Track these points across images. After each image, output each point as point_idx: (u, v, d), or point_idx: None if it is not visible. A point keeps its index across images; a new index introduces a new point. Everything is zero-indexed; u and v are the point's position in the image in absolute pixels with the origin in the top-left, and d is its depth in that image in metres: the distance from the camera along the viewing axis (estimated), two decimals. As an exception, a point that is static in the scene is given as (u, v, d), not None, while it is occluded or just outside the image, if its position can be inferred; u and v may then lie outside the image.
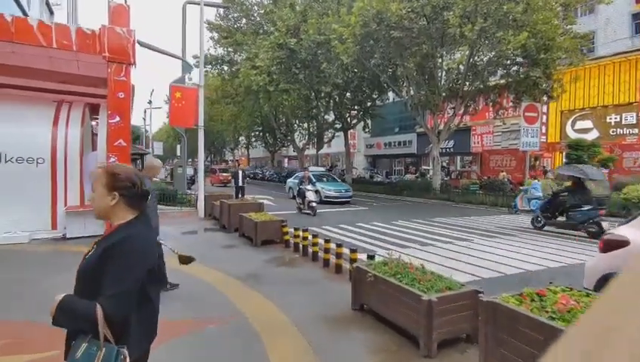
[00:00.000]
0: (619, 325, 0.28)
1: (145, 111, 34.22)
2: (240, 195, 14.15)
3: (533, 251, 7.44)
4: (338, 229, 9.79)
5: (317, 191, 13.22)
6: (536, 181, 12.50)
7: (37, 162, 7.37)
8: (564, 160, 20.64)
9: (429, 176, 27.22)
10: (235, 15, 30.31)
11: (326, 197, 16.17)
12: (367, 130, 30.01)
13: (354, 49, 15.74)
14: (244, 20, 30.72)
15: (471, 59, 16.88)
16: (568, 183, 10.21)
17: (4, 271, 5.47)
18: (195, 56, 30.63)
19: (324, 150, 34.09)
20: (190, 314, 4.05)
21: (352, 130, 29.22)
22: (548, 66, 15.41)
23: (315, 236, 6.15)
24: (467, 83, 18.08)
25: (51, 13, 21.11)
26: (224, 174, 28.95)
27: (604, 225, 8.29)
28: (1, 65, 7.82)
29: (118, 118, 7.66)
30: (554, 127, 22.90)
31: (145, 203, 1.62)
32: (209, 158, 61.12)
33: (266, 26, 28.78)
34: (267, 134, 37.45)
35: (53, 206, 7.52)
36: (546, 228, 9.77)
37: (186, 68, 15.63)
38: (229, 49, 30.47)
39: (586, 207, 8.67)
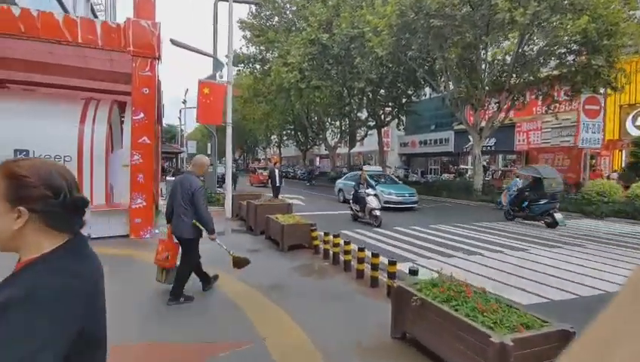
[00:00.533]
0: (621, 338, 0.27)
1: (180, 111, 35.05)
2: (277, 193, 13.58)
3: (608, 265, 6.29)
4: (373, 233, 9.03)
5: (376, 195, 11.12)
6: (517, 179, 12.92)
7: (64, 160, 7.24)
8: (626, 158, 18.50)
9: (468, 175, 25.64)
10: (267, 13, 30.17)
11: (386, 202, 13.44)
12: (401, 127, 28.81)
13: (389, 41, 14.82)
14: (276, 18, 30.52)
15: (520, 49, 15.40)
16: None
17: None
18: (227, 56, 30.93)
19: (356, 148, 33.24)
20: (197, 336, 3.51)
21: (385, 128, 28.15)
22: (611, 54, 13.67)
23: (347, 243, 5.45)
24: (514, 75, 16.56)
25: (95, 17, 21.79)
26: (264, 173, 28.30)
27: (557, 216, 9.73)
28: (35, 63, 7.80)
29: (142, 115, 7.38)
30: (612, 122, 20.56)
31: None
32: (242, 157, 62.07)
33: (298, 22, 28.39)
34: (299, 133, 37.15)
35: (80, 205, 7.39)
36: (584, 234, 9.44)
37: (218, 65, 15.42)
38: (261, 47, 30.37)
39: (543, 201, 10.11)
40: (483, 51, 17.15)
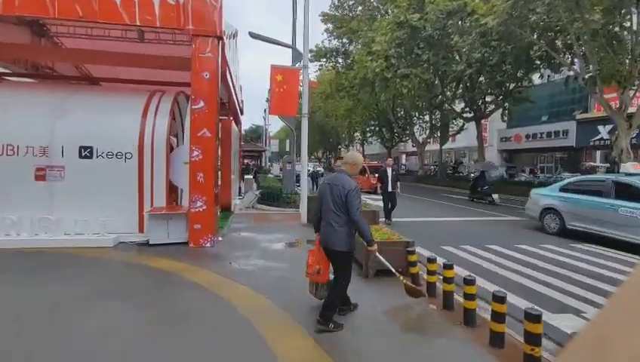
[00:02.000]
0: (620, 334, 0.29)
1: (265, 110, 35.67)
2: (390, 207, 9.54)
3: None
4: (497, 257, 6.65)
5: None
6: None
7: (125, 157, 6.62)
8: None
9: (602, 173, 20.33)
10: (351, 3, 28.69)
11: None
12: (505, 118, 24.49)
13: (504, 6, 11.80)
14: (359, 8, 28.87)
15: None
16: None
17: (76, 282, 4.47)
18: (310, 51, 30.36)
19: (447, 145, 29.61)
20: None
21: (483, 121, 24.25)
22: None
23: (470, 281, 3.38)
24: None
25: None
26: (373, 176, 22.90)
27: (495, 197, 15.04)
28: (101, 54, 7.40)
29: (202, 104, 6.32)
30: None
31: None
32: (324, 155, 61.86)
33: (383, 8, 26.23)
34: (383, 129, 34.85)
35: (140, 206, 6.70)
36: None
37: (297, 56, 14.31)
38: (344, 40, 29.05)
39: (485, 187, 15.37)
40: (629, 16, 12.83)
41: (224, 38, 6.80)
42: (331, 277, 3.66)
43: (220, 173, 10.55)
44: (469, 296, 3.33)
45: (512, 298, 4.36)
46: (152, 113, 6.89)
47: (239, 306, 3.80)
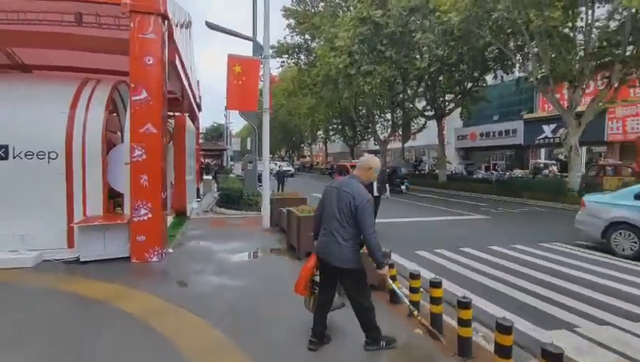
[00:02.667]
0: None
1: (226, 108, 34.06)
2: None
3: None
4: (468, 259, 6.34)
5: None
6: None
7: (49, 157, 5.51)
8: None
9: (548, 172, 21.47)
10: (312, -2, 28.09)
11: None
12: (463, 117, 25.21)
13: (466, 1, 11.74)
14: (321, 4, 28.38)
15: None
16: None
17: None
18: (270, 47, 29.42)
19: (408, 143, 29.99)
20: None
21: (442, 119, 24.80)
22: None
23: (464, 304, 2.89)
24: (630, 41, 12.67)
25: None
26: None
27: (403, 188, 18.44)
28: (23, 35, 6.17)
29: (144, 94, 5.39)
30: None
31: None
32: (287, 154, 60.97)
33: (346, 5, 25.91)
34: (346, 127, 34.70)
35: (70, 216, 5.63)
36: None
37: (258, 50, 13.43)
38: (306, 36, 28.42)
39: (397, 180, 18.31)
40: (582, 17, 13.41)
41: (171, 19, 5.89)
42: (337, 299, 3.21)
43: (172, 174, 9.55)
44: (464, 322, 2.83)
45: (519, 323, 3.98)
46: (83, 104, 5.82)
47: (183, 346, 3.03)
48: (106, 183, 5.86)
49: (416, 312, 3.11)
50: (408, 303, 3.24)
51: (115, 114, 7.77)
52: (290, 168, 36.50)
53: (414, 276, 3.71)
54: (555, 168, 21.99)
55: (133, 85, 5.37)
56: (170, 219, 8.72)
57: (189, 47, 11.00)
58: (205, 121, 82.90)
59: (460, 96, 21.59)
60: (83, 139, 5.66)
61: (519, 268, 5.69)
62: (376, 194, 7.72)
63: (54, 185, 5.58)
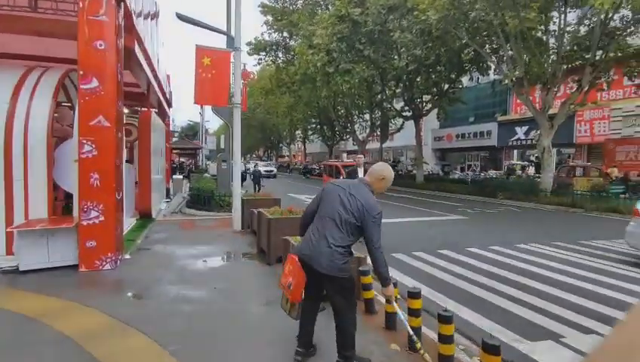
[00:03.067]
0: None
1: (202, 106, 32.99)
2: None
3: None
4: (447, 263, 6.10)
5: None
6: None
7: (-17, 153, 4.85)
8: None
9: (522, 172, 21.95)
10: (291, -6, 27.63)
11: None
12: (439, 118, 25.50)
13: (444, 0, 11.66)
14: (300, 1, 27.98)
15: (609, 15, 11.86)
16: None
17: None
18: (248, 44, 28.80)
19: (386, 144, 30.05)
20: None
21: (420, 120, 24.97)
22: None
23: (446, 322, 2.56)
24: (599, 46, 13.01)
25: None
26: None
27: None
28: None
29: (95, 82, 4.82)
30: None
31: None
32: (265, 154, 60.14)
33: (324, 3, 25.64)
34: (325, 127, 34.43)
35: (8, 219, 4.98)
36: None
37: (232, 44, 12.88)
38: (284, 33, 27.92)
39: None
40: (554, 20, 13.68)
41: (128, 3, 5.34)
42: (321, 305, 2.85)
43: (136, 173, 8.89)
44: (445, 338, 2.51)
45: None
46: (26, 93, 5.18)
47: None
48: (51, 182, 5.23)
49: (420, 346, 2.68)
50: (412, 334, 2.77)
51: (70, 104, 7.10)
52: (272, 168, 34.63)
53: (414, 294, 3.13)
54: (532, 169, 22.45)
55: (82, 72, 4.79)
56: (132, 222, 8.09)
57: (157, 39, 10.35)
58: (181, 119, 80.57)
59: (436, 97, 21.73)
60: (25, 133, 5.03)
61: (498, 271, 5.51)
62: None
63: (-10, 185, 4.92)
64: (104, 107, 4.90)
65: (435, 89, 21.21)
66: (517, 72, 14.07)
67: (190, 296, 4.17)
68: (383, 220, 2.64)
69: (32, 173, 5.04)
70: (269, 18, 27.39)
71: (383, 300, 3.57)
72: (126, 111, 15.29)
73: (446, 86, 21.28)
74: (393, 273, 5.33)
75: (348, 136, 32.14)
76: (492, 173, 23.99)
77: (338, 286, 2.59)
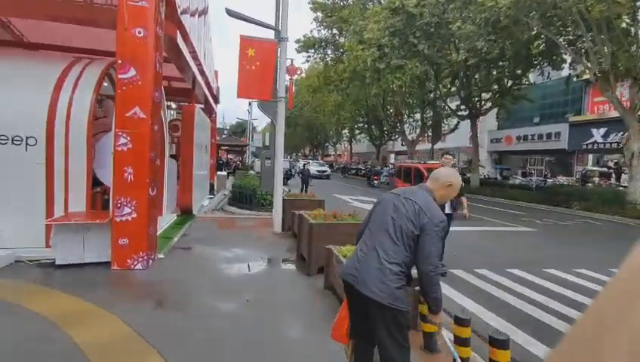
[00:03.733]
0: (621, 313, 0.28)
1: (250, 104, 33.59)
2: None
3: None
4: (520, 286, 5.10)
5: None
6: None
7: (27, 143, 4.80)
8: None
9: (601, 180, 19.30)
10: (342, -10, 27.01)
11: None
12: (499, 118, 23.39)
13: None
14: (351, -4, 27.28)
15: None
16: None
17: None
18: (296, 41, 28.68)
19: (437, 145, 28.30)
20: None
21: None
22: None
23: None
24: None
25: None
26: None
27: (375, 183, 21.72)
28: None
29: (132, 72, 4.55)
30: None
31: None
32: (312, 153, 60.21)
33: (377, -3, 24.70)
34: (372, 126, 33.39)
35: (49, 211, 4.90)
36: None
37: (278, 37, 12.60)
38: (334, 30, 27.38)
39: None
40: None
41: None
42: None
43: (177, 168, 8.81)
44: None
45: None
46: (69, 85, 5.07)
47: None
48: (91, 175, 5.08)
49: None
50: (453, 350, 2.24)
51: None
52: (325, 168, 29.56)
53: (462, 321, 2.60)
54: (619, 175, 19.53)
55: (120, 61, 4.54)
56: (172, 218, 7.96)
57: (204, 34, 10.25)
58: (230, 117, 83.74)
59: (497, 94, 19.84)
60: (66, 124, 4.90)
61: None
62: (448, 211, 5.01)
63: (32, 175, 4.86)
64: (141, 97, 4.61)
65: (496, 86, 19.36)
66: (601, 66, 12.18)
67: (220, 310, 3.69)
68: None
69: (73, 164, 4.91)
70: (319, 15, 27.02)
71: (449, 343, 2.80)
72: (174, 106, 15.76)
73: (509, 83, 19.34)
74: (451, 292, 4.50)
75: (397, 136, 30.84)
76: (562, 179, 21.46)
77: (389, 318, 1.92)
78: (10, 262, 4.70)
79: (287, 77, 12.17)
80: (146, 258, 4.76)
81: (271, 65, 7.48)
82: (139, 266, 4.71)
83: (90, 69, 5.35)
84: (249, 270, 5.08)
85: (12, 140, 4.78)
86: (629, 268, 0.30)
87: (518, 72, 18.74)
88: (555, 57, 16.55)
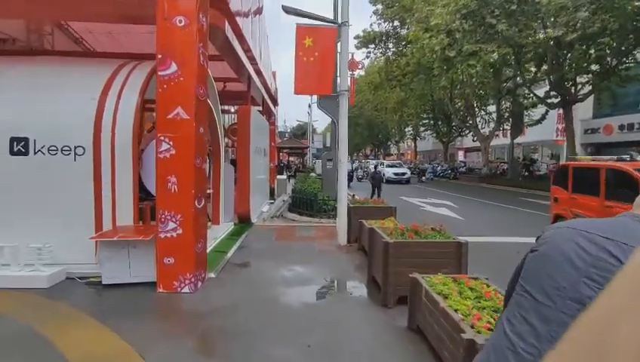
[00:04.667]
0: (625, 318, 0.26)
1: (310, 106, 33.35)
2: None
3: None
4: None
5: None
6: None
7: (75, 153, 4.51)
8: None
9: None
10: (404, -22, 25.32)
11: None
12: (601, 104, 19.79)
13: None
14: (414, -16, 25.43)
15: None
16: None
17: None
18: (356, 37, 27.58)
19: (517, 139, 24.94)
20: None
21: (559, 111, 19.73)
22: None
23: None
24: None
25: None
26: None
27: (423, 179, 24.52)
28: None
29: (174, 67, 3.96)
30: None
31: None
32: (373, 152, 58.56)
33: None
34: (439, 122, 30.97)
35: (98, 224, 4.55)
36: None
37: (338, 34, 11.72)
38: (395, 22, 25.76)
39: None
40: None
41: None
42: None
43: (234, 174, 8.35)
44: None
45: None
46: (115, 90, 4.69)
47: None
48: (137, 184, 4.64)
49: None
50: None
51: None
52: (404, 170, 24.43)
53: None
54: None
55: (160, 56, 3.98)
56: (229, 227, 7.46)
57: (260, 33, 9.74)
58: (291, 121, 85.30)
59: (599, 76, 16.60)
60: (112, 131, 4.51)
61: None
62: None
63: (81, 187, 4.54)
64: (183, 96, 4.01)
65: (597, 65, 16.23)
66: None
67: (274, 359, 2.85)
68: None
69: (120, 174, 4.51)
70: (379, 7, 25.62)
71: None
72: (232, 110, 15.73)
73: (614, 62, 16.06)
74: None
75: (467, 131, 28.10)
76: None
77: None
78: (62, 278, 4.42)
79: (349, 72, 11.22)
80: (193, 280, 4.14)
81: (331, 55, 6.59)
82: (186, 289, 4.10)
83: (137, 72, 4.95)
84: (311, 297, 4.19)
85: (61, 150, 4.50)
86: (634, 264, 0.29)
87: (623, 48, 15.47)
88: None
